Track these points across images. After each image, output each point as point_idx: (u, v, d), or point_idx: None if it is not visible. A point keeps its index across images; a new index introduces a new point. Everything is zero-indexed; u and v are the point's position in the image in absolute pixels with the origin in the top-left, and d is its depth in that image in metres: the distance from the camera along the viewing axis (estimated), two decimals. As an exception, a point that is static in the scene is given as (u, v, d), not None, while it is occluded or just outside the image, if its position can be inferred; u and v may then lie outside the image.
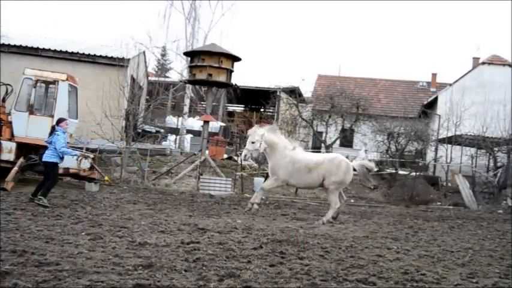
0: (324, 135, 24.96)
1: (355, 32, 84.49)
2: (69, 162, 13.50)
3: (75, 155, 11.52)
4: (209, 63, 19.00)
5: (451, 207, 17.71)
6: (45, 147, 13.45)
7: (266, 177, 18.48)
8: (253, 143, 10.44)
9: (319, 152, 26.58)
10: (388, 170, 21.49)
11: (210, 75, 19.10)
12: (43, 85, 13.85)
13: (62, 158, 10.68)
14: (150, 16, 73.81)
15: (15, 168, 12.54)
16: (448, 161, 22.05)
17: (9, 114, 13.51)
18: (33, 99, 13.48)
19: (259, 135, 10.45)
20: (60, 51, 22.83)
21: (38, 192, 10.22)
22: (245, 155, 10.66)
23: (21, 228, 7.37)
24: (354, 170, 10.90)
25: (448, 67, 69.69)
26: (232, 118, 34.52)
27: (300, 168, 10.34)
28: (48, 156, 10.45)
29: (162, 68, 41.92)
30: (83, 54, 23.00)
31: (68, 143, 11.12)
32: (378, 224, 11.40)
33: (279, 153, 10.45)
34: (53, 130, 10.67)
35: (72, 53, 22.91)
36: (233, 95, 31.77)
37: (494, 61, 28.02)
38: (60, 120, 10.78)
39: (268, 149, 10.54)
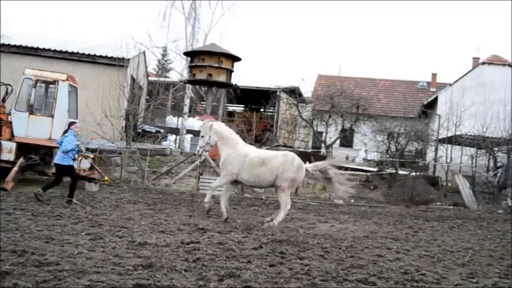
0: (324, 135, 24.98)
1: (355, 32, 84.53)
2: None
3: (77, 146, 11.56)
4: (209, 63, 19.03)
5: (451, 207, 17.71)
6: (45, 147, 13.56)
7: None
8: (202, 137, 10.15)
9: (319, 151, 26.67)
10: (388, 170, 21.47)
11: (210, 75, 19.12)
12: (43, 85, 13.85)
13: (74, 159, 11.29)
14: (150, 16, 73.77)
15: (15, 168, 12.54)
16: (448, 161, 22.03)
17: (9, 114, 13.50)
18: (33, 99, 13.48)
19: (207, 127, 10.18)
20: (60, 51, 22.82)
21: (73, 193, 10.90)
22: (198, 151, 10.53)
23: (21, 228, 7.38)
24: (307, 170, 10.04)
25: (448, 67, 69.69)
26: (232, 118, 34.48)
27: (252, 161, 9.81)
28: (60, 159, 10.98)
29: (163, 68, 41.91)
30: (83, 54, 22.99)
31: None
32: (378, 224, 11.41)
33: (231, 147, 10.06)
34: (65, 133, 11.26)
35: (72, 53, 22.90)
36: (233, 95, 31.75)
37: (494, 61, 28.00)
38: (71, 124, 11.51)
39: (219, 142, 10.17)
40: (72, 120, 12.25)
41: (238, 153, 9.95)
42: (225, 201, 10.15)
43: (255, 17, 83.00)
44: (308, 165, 10.07)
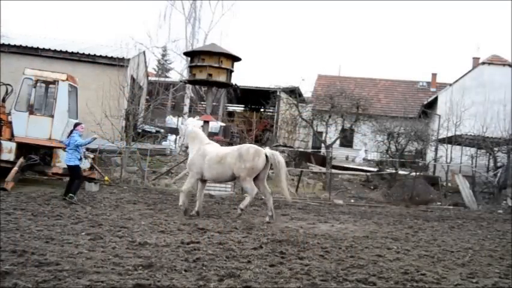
0: (324, 135, 24.92)
1: (355, 32, 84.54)
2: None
3: (91, 141, 12.29)
4: (209, 63, 18.99)
5: (451, 207, 17.70)
6: (45, 147, 13.57)
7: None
8: (180, 137, 11.22)
9: (319, 151, 26.66)
10: (388, 170, 21.47)
11: (210, 75, 19.08)
12: (43, 85, 13.84)
13: (80, 159, 11.69)
14: (150, 16, 73.75)
15: (15, 168, 12.54)
16: (448, 161, 22.03)
17: (9, 114, 13.50)
18: (33, 99, 13.48)
19: (182, 128, 11.21)
20: (60, 51, 22.81)
21: (69, 192, 11.05)
22: (179, 147, 11.34)
23: (21, 228, 7.38)
24: (267, 156, 10.46)
25: (448, 67, 69.72)
26: (232, 118, 34.51)
27: (210, 159, 10.44)
28: (68, 160, 11.48)
29: (163, 68, 41.91)
30: (83, 54, 22.97)
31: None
32: (378, 224, 11.40)
33: (196, 148, 10.78)
34: (70, 133, 11.64)
35: (72, 53, 22.88)
36: (233, 95, 31.76)
37: (494, 61, 28.00)
38: (76, 124, 11.92)
39: (190, 143, 11.01)
40: (77, 121, 12.59)
41: (200, 153, 10.62)
42: (201, 199, 10.94)
43: (255, 17, 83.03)
44: (267, 150, 10.57)
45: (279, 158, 10.54)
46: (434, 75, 36.50)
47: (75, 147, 11.38)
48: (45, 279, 4.83)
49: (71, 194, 10.92)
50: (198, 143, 10.84)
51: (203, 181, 10.96)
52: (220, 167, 10.37)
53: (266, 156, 10.39)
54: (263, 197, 11.16)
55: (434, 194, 19.14)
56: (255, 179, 10.40)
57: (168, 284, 4.99)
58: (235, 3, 58.40)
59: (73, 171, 11.53)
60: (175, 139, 26.65)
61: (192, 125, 11.46)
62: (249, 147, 10.54)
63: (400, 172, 20.97)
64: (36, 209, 9.35)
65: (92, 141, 12.44)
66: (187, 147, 11.24)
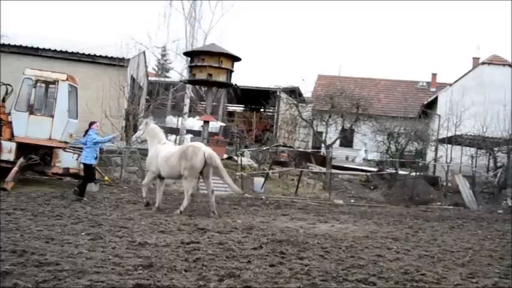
0: (324, 135, 24.95)
1: (355, 32, 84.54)
2: (69, 162, 13.54)
3: (110, 139, 12.87)
4: (209, 63, 19.00)
5: (451, 207, 17.70)
6: (45, 147, 13.57)
7: (266, 177, 18.50)
8: (139, 130, 11.75)
9: (319, 151, 26.66)
10: (388, 170, 21.47)
11: (210, 75, 19.10)
12: (43, 85, 13.82)
13: (96, 158, 12.11)
14: (150, 16, 73.65)
15: (15, 168, 12.54)
16: (448, 161, 22.04)
17: (9, 114, 13.49)
18: (33, 99, 13.45)
19: (143, 124, 11.68)
20: (60, 51, 22.78)
21: (83, 192, 11.53)
22: (134, 138, 11.76)
23: (21, 228, 7.38)
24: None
25: (448, 67, 69.63)
26: (232, 118, 34.49)
27: (161, 159, 10.95)
28: (84, 158, 11.91)
29: (162, 68, 41.85)
30: (83, 54, 22.94)
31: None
32: (378, 224, 11.40)
33: (154, 147, 11.28)
34: (86, 132, 12.09)
35: (72, 53, 22.85)
36: (233, 95, 31.73)
37: (494, 61, 28.00)
38: (92, 123, 12.35)
39: (148, 140, 11.52)
40: (92, 120, 12.95)
41: (155, 154, 11.13)
42: (160, 194, 11.36)
43: (255, 17, 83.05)
44: (207, 150, 10.84)
45: (217, 161, 10.92)
46: (434, 75, 36.50)
47: (93, 145, 11.66)
48: (45, 279, 4.83)
49: (79, 197, 11.31)
50: (156, 142, 11.34)
51: (161, 178, 11.47)
52: (168, 166, 10.86)
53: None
54: (208, 195, 11.40)
55: (434, 194, 19.15)
56: (201, 176, 10.92)
57: (168, 284, 4.99)
58: (235, 3, 58.22)
59: (86, 169, 11.88)
60: (175, 139, 26.68)
61: (152, 122, 12.08)
62: (189, 147, 11.02)
63: (400, 172, 20.98)
64: (36, 209, 9.35)
65: (112, 139, 12.76)
66: (143, 141, 11.85)
